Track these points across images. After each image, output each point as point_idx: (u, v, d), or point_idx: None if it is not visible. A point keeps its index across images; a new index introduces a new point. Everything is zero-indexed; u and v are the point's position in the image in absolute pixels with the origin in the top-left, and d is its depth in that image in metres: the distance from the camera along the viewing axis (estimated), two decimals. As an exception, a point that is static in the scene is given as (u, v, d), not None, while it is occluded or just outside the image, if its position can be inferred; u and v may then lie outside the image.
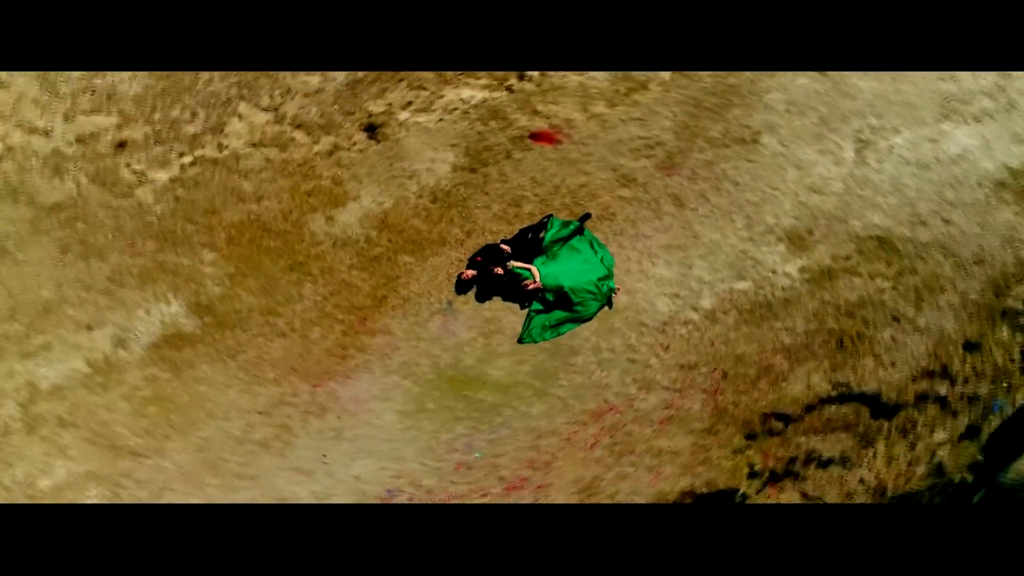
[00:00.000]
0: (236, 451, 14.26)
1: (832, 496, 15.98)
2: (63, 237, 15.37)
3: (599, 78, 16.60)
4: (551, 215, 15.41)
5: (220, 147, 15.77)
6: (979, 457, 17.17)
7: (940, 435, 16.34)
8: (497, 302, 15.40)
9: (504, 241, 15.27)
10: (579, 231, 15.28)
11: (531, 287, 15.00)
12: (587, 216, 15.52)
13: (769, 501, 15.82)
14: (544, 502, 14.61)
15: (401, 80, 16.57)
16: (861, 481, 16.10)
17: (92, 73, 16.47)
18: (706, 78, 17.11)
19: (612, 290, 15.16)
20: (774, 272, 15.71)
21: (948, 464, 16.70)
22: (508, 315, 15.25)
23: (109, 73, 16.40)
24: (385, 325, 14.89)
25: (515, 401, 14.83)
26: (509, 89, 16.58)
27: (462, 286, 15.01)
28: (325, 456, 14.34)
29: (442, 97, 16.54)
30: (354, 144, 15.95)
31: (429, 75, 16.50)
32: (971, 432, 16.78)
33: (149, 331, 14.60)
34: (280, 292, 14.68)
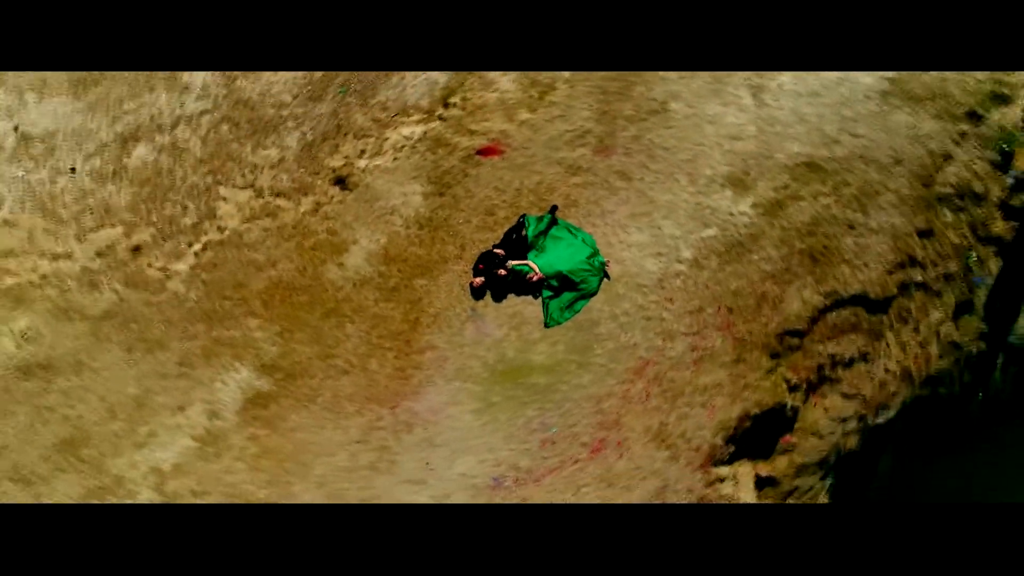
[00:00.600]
0: (352, 479, 16.82)
1: (868, 390, 19.23)
2: (123, 339, 17.58)
3: (512, 90, 18.85)
4: (524, 215, 17.59)
5: (220, 229, 17.91)
6: (983, 327, 20.44)
7: (936, 314, 19.57)
8: (512, 299, 17.66)
9: (495, 246, 17.37)
10: (553, 222, 17.43)
11: (535, 279, 17.02)
12: (554, 208, 17.67)
13: (817, 408, 19.12)
14: (627, 456, 17.50)
15: (347, 134, 18.82)
16: (887, 371, 19.25)
17: (84, 193, 18.66)
18: None
19: (603, 263, 17.40)
20: (731, 214, 18.24)
21: (957, 338, 20.02)
22: (527, 307, 17.74)
23: (99, 188, 18.70)
24: (428, 342, 17.36)
25: (565, 377, 17.51)
26: (441, 118, 18.68)
27: (477, 292, 17.16)
28: (428, 463, 16.97)
29: (387, 139, 18.64)
30: (332, 198, 18.08)
31: (369, 123, 18.80)
32: (966, 307, 20.09)
33: (233, 398, 16.96)
34: (328, 337, 17.12)
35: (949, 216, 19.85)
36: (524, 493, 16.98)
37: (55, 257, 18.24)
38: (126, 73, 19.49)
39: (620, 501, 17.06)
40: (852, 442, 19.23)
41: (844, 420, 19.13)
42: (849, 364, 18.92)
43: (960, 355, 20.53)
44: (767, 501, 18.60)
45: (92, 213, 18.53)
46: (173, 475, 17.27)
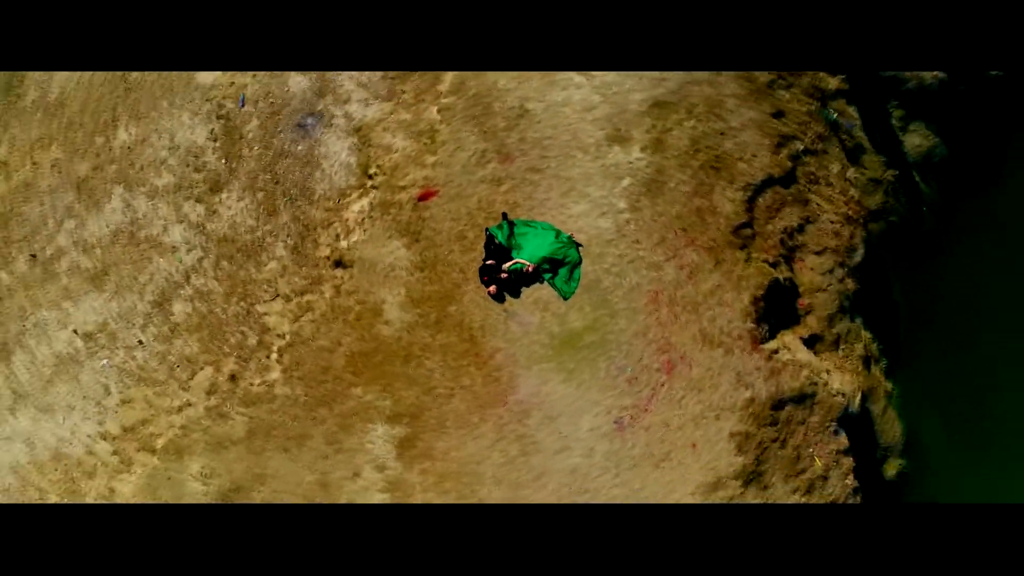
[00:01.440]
0: (516, 468, 20.54)
1: (831, 242, 22.88)
2: (276, 444, 21.48)
3: (408, 144, 22.43)
4: (487, 228, 20.93)
5: (281, 336, 21.40)
6: (882, 157, 23.95)
7: (835, 166, 23.05)
8: (525, 291, 21.44)
9: (485, 260, 20.78)
10: (511, 224, 20.78)
11: (530, 270, 20.63)
12: (504, 214, 20.92)
13: (804, 271, 22.65)
14: (695, 364, 20.93)
15: (316, 228, 22.46)
16: (832, 222, 23.00)
17: (162, 354, 22.38)
18: (460, 101, 22.68)
19: (569, 236, 20.83)
20: (631, 163, 21.13)
21: (870, 175, 23.97)
22: (540, 292, 21.28)
23: (170, 346, 22.49)
24: (491, 347, 21.02)
25: (606, 328, 21.02)
26: (374, 187, 21.97)
27: (497, 297, 20.81)
28: (562, 432, 20.86)
29: (347, 220, 22.04)
30: (342, 278, 21.67)
31: (325, 214, 22.47)
32: (858, 150, 23.86)
33: (386, 451, 20.94)
34: (418, 377, 20.89)
35: (785, 94, 22.77)
36: (644, 422, 20.68)
37: (179, 409, 21.87)
38: (123, 254, 23.10)
39: (714, 399, 20.79)
40: (851, 284, 22.86)
41: (831, 271, 22.54)
42: (801, 230, 22.29)
43: (882, 186, 22.48)
44: (823, 355, 22.41)
45: (179, 366, 21.95)
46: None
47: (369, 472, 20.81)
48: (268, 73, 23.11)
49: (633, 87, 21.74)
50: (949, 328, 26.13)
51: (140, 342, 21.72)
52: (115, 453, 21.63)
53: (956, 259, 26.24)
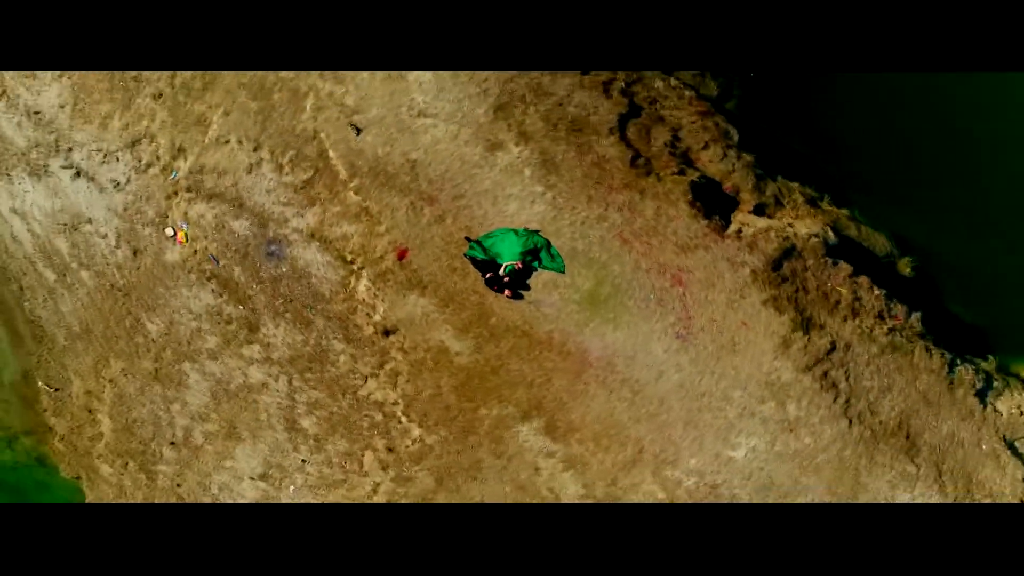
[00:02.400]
0: (642, 403, 24.29)
1: (706, 136, 26.04)
2: (461, 479, 25.46)
3: (356, 229, 25.38)
4: (464, 254, 24.69)
5: (395, 403, 25.72)
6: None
7: (658, 82, 26.71)
8: (531, 282, 24.80)
9: (484, 275, 24.58)
10: (478, 242, 24.45)
11: (519, 266, 24.29)
12: (467, 238, 24.61)
13: (707, 166, 25.70)
14: (694, 267, 24.13)
15: (347, 320, 25.71)
16: (694, 122, 26.56)
17: (324, 458, 26.36)
18: (363, 179, 25.40)
19: (525, 228, 24.41)
20: (517, 157, 24.90)
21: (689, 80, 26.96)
22: (541, 277, 24.73)
23: (324, 450, 26.24)
24: (545, 332, 24.71)
25: (609, 277, 24.46)
26: (360, 268, 25.51)
27: (515, 296, 24.67)
28: (647, 363, 24.33)
29: (362, 299, 25.63)
30: (399, 340, 25.51)
31: (343, 307, 25.69)
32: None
33: (540, 442, 24.72)
34: (514, 378, 24.84)
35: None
36: (697, 326, 24.17)
37: (375, 492, 26.08)
38: (233, 407, 26.95)
39: (727, 285, 24.16)
40: (747, 156, 26.46)
41: (724, 155, 26.17)
42: (677, 139, 26.13)
43: (706, 76, 27.83)
44: (776, 215, 25.75)
45: (346, 463, 26.30)
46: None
47: (543, 461, 24.87)
48: (214, 226, 26.28)
49: (472, 106, 25.08)
50: (854, 145, 29.30)
51: (303, 461, 26.44)
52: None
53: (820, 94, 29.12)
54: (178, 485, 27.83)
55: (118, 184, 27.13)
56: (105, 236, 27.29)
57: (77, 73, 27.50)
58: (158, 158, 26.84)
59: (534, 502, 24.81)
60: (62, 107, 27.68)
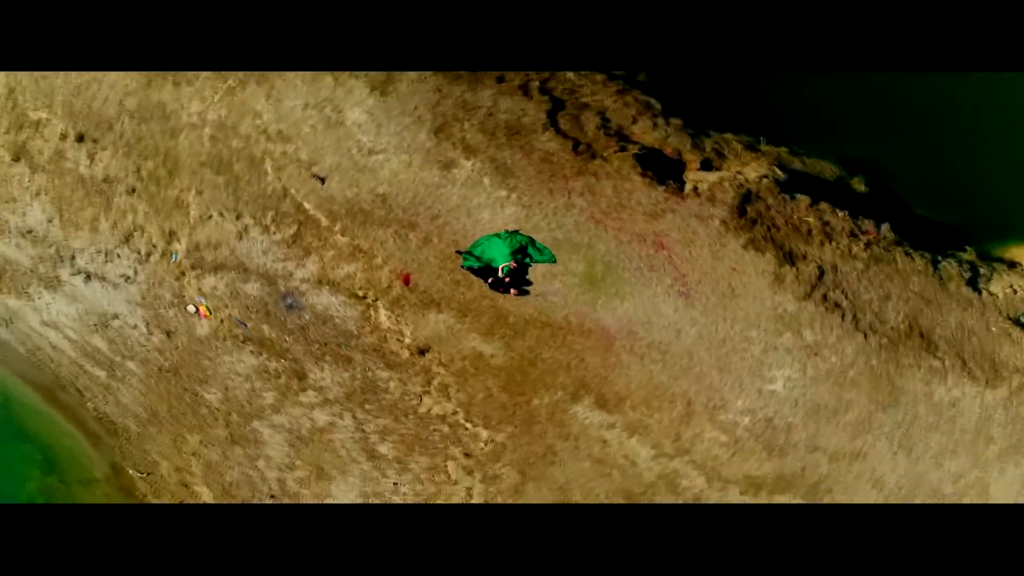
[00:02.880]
0: (673, 361, 25.58)
1: (630, 111, 27.60)
2: (543, 466, 26.30)
3: (355, 267, 26.55)
4: (462, 266, 25.96)
5: (455, 412, 26.50)
6: None
7: (569, 75, 28.74)
8: (530, 277, 25.89)
9: (487, 281, 25.84)
10: (470, 252, 25.78)
11: (514, 266, 25.55)
12: (458, 251, 25.89)
13: (642, 138, 27.23)
14: (671, 228, 25.36)
15: (380, 347, 26.63)
16: (615, 102, 28.17)
17: (413, 476, 27.13)
18: (343, 221, 26.44)
19: (505, 231, 25.63)
20: (472, 169, 26.14)
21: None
22: (536, 270, 25.88)
23: (409, 468, 27.04)
24: (561, 318, 25.97)
25: (597, 256, 26.00)
26: (374, 300, 26.64)
27: (521, 293, 25.92)
28: (663, 324, 25.46)
29: (386, 327, 26.71)
30: (435, 356, 26.45)
31: (375, 340, 26.62)
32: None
33: (598, 415, 25.78)
34: (552, 365, 26.09)
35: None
36: (693, 280, 25.52)
37: (469, 497, 26.85)
38: (313, 450, 27.69)
39: (704, 238, 25.63)
40: (676, 120, 28.21)
41: (655, 124, 27.91)
42: (607, 120, 27.85)
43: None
44: (723, 166, 27.50)
45: (434, 475, 27.10)
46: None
47: (608, 434, 26.06)
48: (229, 294, 27.48)
49: (412, 134, 26.65)
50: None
51: (395, 484, 27.88)
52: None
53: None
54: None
55: (128, 278, 28.57)
56: (136, 326, 28.85)
57: (53, 187, 28.87)
58: (155, 246, 28.29)
59: (615, 471, 25.91)
60: (50, 221, 29.19)
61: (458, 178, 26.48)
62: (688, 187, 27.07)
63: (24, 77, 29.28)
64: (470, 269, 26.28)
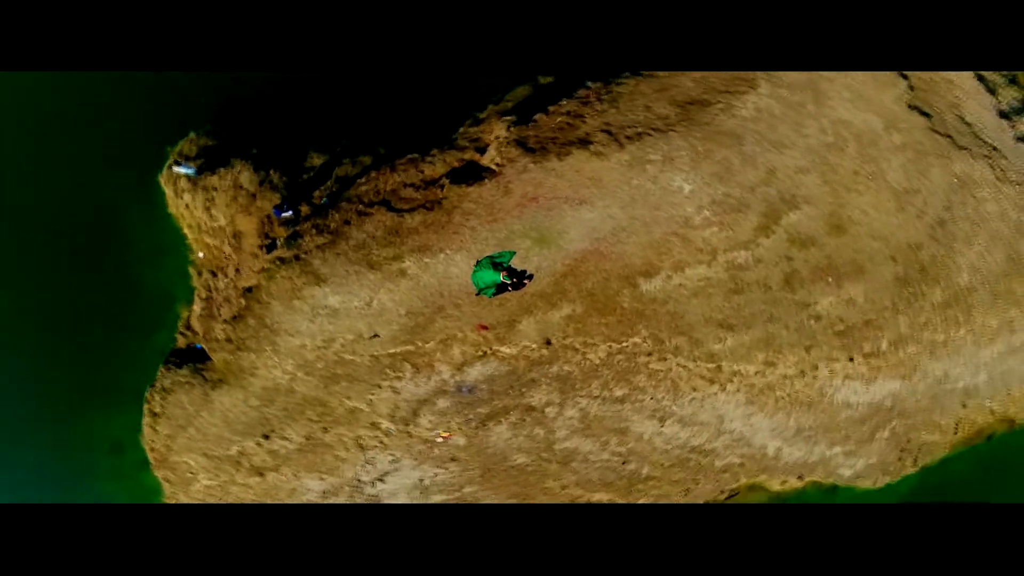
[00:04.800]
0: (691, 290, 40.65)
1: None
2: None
3: (454, 350, 39.91)
4: (488, 295, 39.77)
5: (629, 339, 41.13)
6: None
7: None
8: (520, 272, 40.40)
9: (506, 290, 39.83)
10: (481, 290, 39.65)
11: (504, 273, 39.32)
12: (477, 294, 40.17)
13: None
14: (544, 198, 40.00)
15: (535, 365, 40.23)
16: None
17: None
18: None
19: (477, 262, 39.85)
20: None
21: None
22: (516, 265, 40.50)
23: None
24: (570, 265, 40.43)
25: (522, 231, 40.13)
26: (490, 350, 40.18)
27: (527, 280, 39.68)
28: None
29: (508, 353, 40.32)
30: (562, 335, 40.26)
31: (527, 363, 40.25)
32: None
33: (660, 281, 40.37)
34: (610, 288, 40.11)
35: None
36: (585, 196, 40.21)
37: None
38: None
39: (539, 178, 40.11)
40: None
41: (422, 158, 43.06)
42: (410, 185, 42.45)
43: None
44: (498, 146, 41.90)
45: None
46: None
47: (659, 282, 40.01)
48: (439, 416, 39.69)
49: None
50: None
51: (651, 396, 39.95)
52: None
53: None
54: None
55: (396, 460, 40.13)
56: (436, 474, 40.01)
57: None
58: (378, 427, 40.48)
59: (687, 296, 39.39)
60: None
61: (430, 266, 38.91)
62: (492, 165, 40.31)
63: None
64: (493, 295, 38.65)
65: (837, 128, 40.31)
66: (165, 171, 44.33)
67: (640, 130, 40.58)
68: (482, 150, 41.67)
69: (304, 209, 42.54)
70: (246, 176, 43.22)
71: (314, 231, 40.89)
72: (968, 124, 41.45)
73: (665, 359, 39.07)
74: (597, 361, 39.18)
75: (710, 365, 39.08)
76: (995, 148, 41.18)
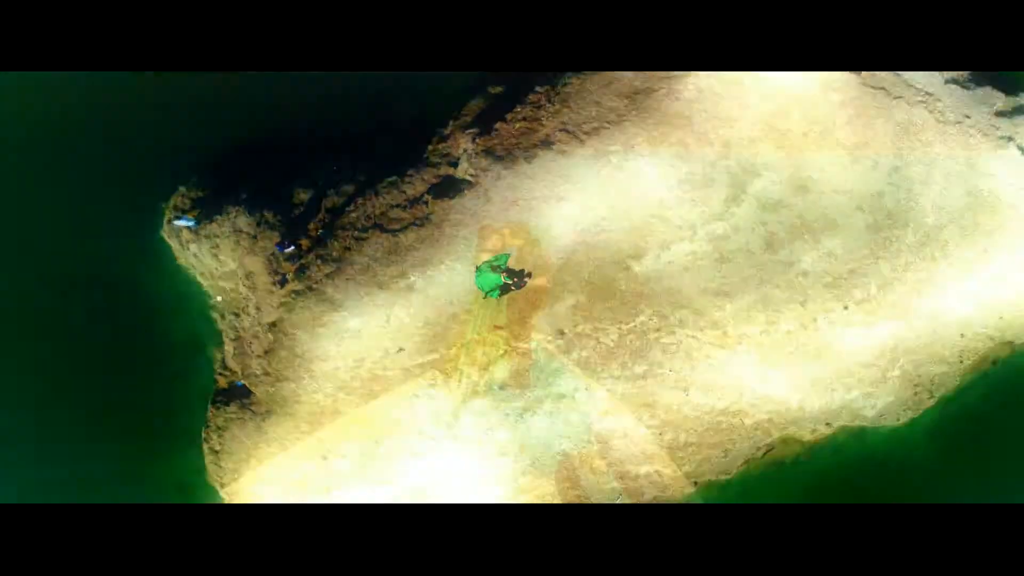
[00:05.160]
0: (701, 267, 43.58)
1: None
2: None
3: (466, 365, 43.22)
4: (495, 296, 42.95)
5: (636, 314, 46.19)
6: None
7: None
8: (518, 272, 43.55)
9: (510, 290, 42.70)
10: (487, 294, 42.56)
11: (504, 275, 42.50)
12: (487, 296, 42.91)
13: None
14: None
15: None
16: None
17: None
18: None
19: (477, 268, 42.99)
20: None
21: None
22: (514, 265, 43.90)
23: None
24: (558, 259, 43.12)
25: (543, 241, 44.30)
26: (512, 348, 43.13)
27: (527, 278, 42.73)
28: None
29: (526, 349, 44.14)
30: (573, 323, 43.03)
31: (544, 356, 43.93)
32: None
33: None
34: (606, 272, 42.85)
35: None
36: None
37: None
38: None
39: (520, 169, 43.28)
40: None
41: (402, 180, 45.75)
42: (397, 206, 45.41)
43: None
44: (467, 159, 44.29)
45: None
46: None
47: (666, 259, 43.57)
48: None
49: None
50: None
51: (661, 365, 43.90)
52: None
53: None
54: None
55: (448, 461, 43.13)
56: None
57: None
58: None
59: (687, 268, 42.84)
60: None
61: (434, 278, 42.17)
62: (467, 176, 43.95)
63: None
64: (499, 296, 41.81)
65: (777, 96, 43.51)
66: (166, 226, 47.30)
67: (596, 124, 43.68)
68: (455, 163, 44.78)
69: (304, 242, 45.12)
70: (243, 220, 45.93)
71: (319, 262, 43.61)
72: (898, 75, 44.34)
73: (673, 332, 41.83)
74: (611, 343, 41.87)
75: (716, 332, 41.77)
76: (929, 93, 44.03)
